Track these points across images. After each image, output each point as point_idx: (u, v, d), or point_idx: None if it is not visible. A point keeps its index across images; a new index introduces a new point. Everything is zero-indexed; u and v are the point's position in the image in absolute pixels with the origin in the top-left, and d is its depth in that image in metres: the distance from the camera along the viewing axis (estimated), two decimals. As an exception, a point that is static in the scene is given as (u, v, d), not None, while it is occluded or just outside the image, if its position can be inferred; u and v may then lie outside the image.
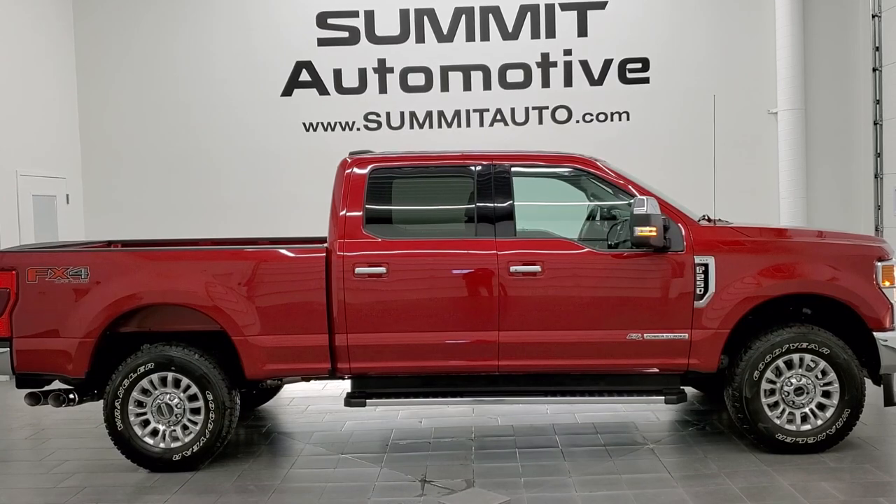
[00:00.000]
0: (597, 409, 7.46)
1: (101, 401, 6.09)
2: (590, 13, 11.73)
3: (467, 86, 11.78)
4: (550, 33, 11.75)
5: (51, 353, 5.98)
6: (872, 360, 6.07)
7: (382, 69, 11.81)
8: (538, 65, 11.77)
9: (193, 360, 5.95)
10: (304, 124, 11.84)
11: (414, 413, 7.48)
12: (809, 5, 11.48)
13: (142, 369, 5.94)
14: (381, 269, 5.96)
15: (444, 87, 11.79)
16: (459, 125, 11.79)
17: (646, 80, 11.74)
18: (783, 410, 6.01)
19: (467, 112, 11.79)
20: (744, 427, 6.11)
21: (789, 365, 6.00)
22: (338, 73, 11.82)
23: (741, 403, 6.01)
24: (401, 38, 11.80)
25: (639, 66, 11.73)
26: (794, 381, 5.99)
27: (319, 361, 6.02)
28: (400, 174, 6.41)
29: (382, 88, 11.82)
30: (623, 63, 11.73)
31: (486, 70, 11.77)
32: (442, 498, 5.35)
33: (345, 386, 6.40)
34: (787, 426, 6.00)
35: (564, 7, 11.73)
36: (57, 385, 6.19)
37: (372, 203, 6.16)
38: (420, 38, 11.79)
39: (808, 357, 5.98)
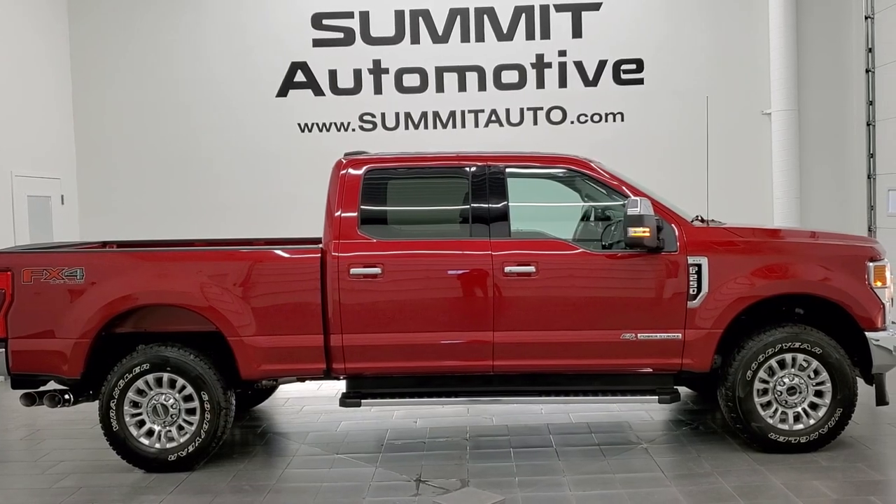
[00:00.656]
0: (591, 408, 7.49)
1: (97, 401, 6.10)
2: (584, 14, 11.77)
3: (462, 87, 11.81)
4: (545, 34, 11.78)
5: (46, 353, 5.99)
6: (864, 360, 6.11)
7: (377, 70, 11.83)
8: (533, 66, 11.80)
9: (189, 360, 5.96)
10: (299, 125, 11.86)
11: (409, 413, 7.50)
12: (803, 7, 11.54)
13: (137, 370, 5.95)
14: (377, 270, 5.98)
15: (440, 87, 11.82)
16: (454, 126, 11.82)
17: (640, 81, 11.78)
18: (776, 410, 6.04)
19: (462, 113, 11.82)
20: (737, 426, 6.14)
21: (782, 364, 6.03)
22: (333, 74, 11.84)
23: (734, 403, 6.04)
24: (396, 39, 11.82)
25: (633, 67, 11.77)
26: (786, 380, 6.03)
27: (315, 362, 6.04)
28: (395, 175, 6.43)
29: (377, 89, 11.84)
30: (617, 64, 11.78)
31: (480, 71, 11.80)
32: (437, 497, 5.37)
33: (340, 386, 6.41)
34: (780, 425, 6.03)
35: (559, 8, 11.77)
36: (52, 386, 6.20)
37: (367, 204, 6.17)
38: (415, 39, 11.81)
39: (800, 357, 6.01)
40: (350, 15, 11.82)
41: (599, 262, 6.05)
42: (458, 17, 11.78)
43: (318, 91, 11.85)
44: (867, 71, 11.28)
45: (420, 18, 11.79)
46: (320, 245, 6.14)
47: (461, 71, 11.80)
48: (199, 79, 11.88)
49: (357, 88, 11.85)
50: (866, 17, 11.26)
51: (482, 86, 11.81)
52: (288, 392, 8.35)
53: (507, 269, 5.97)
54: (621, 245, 6.00)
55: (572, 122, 11.80)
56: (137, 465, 6.02)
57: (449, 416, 7.42)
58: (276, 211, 11.58)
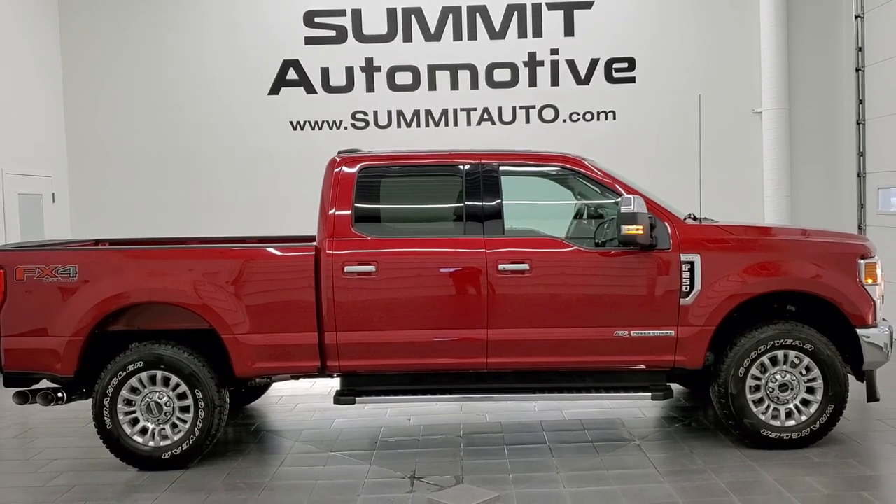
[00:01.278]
0: (584, 405, 7.52)
1: (89, 400, 6.09)
2: (576, 13, 11.79)
3: (454, 85, 11.82)
4: (537, 33, 11.81)
5: (39, 351, 5.97)
6: (855, 357, 6.15)
7: (370, 68, 11.83)
8: (525, 64, 11.82)
9: (183, 358, 5.96)
10: (291, 123, 11.85)
11: (402, 410, 7.52)
12: (794, 6, 11.60)
13: (131, 368, 5.94)
14: (371, 268, 5.98)
15: (432, 85, 11.82)
16: (447, 124, 11.83)
17: (632, 80, 11.82)
18: (768, 406, 6.08)
19: (455, 111, 11.83)
20: (729, 423, 6.17)
21: (774, 361, 6.07)
22: (325, 72, 11.83)
23: (727, 399, 6.08)
24: (388, 37, 11.82)
25: (625, 65, 11.81)
26: (778, 377, 6.07)
27: (309, 359, 6.04)
28: (389, 173, 6.43)
29: (370, 87, 11.84)
30: (609, 63, 11.81)
31: (473, 69, 11.81)
32: (431, 494, 5.39)
33: (333, 384, 6.42)
34: (772, 422, 6.07)
35: (551, 7, 11.79)
36: (45, 384, 6.18)
37: (361, 202, 6.18)
38: (407, 37, 11.81)
39: (792, 353, 6.05)
40: (342, 13, 11.81)
41: (593, 259, 6.08)
42: (451, 16, 11.78)
43: (311, 89, 11.84)
44: (857, 70, 11.35)
45: (412, 16, 11.79)
46: (314, 243, 6.14)
47: (453, 69, 11.81)
48: (191, 76, 11.85)
49: (349, 86, 11.84)
50: (856, 17, 11.32)
51: (474, 84, 11.82)
52: (281, 390, 8.35)
53: (501, 266, 5.99)
54: (615, 243, 6.02)
55: (564, 121, 11.83)
56: (131, 464, 6.01)
57: (442, 413, 7.44)
58: (267, 209, 11.57)
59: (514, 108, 11.84)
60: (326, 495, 5.47)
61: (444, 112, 11.82)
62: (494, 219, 6.11)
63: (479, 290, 6.00)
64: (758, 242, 6.27)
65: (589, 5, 11.78)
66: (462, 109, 11.84)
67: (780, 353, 6.05)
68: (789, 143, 11.53)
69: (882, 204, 10.85)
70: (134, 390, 5.98)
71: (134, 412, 5.98)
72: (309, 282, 5.99)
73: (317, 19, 11.82)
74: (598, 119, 11.81)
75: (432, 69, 11.80)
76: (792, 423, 6.08)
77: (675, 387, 7.12)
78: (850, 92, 11.51)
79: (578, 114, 11.81)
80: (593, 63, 11.80)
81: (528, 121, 11.83)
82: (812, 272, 6.11)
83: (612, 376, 6.24)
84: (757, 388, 6.08)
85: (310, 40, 11.83)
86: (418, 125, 11.84)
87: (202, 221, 11.32)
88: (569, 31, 11.80)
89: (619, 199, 5.99)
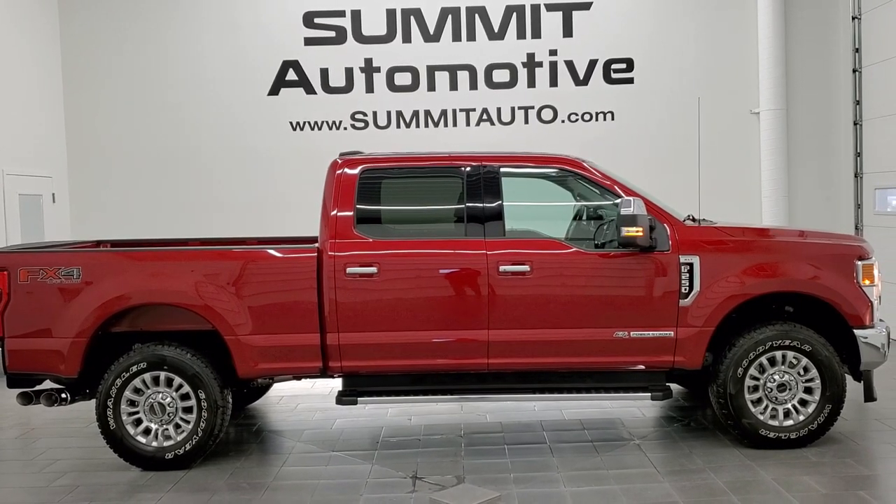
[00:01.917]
0: (583, 405, 7.56)
1: (92, 400, 6.13)
2: (575, 14, 11.83)
3: (454, 85, 11.86)
4: (536, 34, 11.84)
5: (43, 352, 6.01)
6: (853, 357, 6.20)
7: (369, 69, 11.85)
8: (524, 65, 11.86)
9: (186, 359, 6.00)
10: (290, 123, 11.87)
11: (403, 411, 7.55)
12: (791, 8, 11.65)
13: (134, 368, 5.98)
14: (372, 269, 6.02)
15: (431, 86, 11.85)
16: (446, 125, 11.86)
17: (630, 81, 11.86)
18: (766, 406, 6.13)
19: (454, 112, 11.86)
20: (728, 423, 6.22)
21: (772, 362, 6.12)
22: (324, 73, 11.85)
23: (725, 400, 6.12)
24: (387, 38, 11.85)
25: (623, 66, 11.85)
26: (776, 377, 6.12)
27: (311, 360, 6.08)
28: (390, 175, 6.47)
29: (369, 88, 11.87)
30: (608, 63, 11.85)
31: (472, 70, 11.85)
32: (433, 494, 5.43)
33: (334, 384, 6.45)
34: (771, 422, 6.12)
35: (550, 8, 11.82)
36: (49, 385, 6.21)
37: (363, 203, 6.22)
38: (407, 38, 11.84)
39: (790, 354, 6.10)
40: (342, 14, 11.83)
41: (593, 261, 6.12)
42: (450, 17, 11.82)
43: (310, 90, 11.87)
44: (854, 71, 11.40)
45: (412, 17, 11.82)
46: (316, 244, 6.18)
47: (452, 70, 11.84)
48: (191, 77, 11.86)
49: (349, 87, 11.87)
50: (853, 18, 11.37)
51: (473, 85, 11.85)
52: (282, 390, 8.38)
53: (502, 268, 6.03)
54: (614, 244, 6.06)
55: (563, 122, 11.86)
56: (134, 464, 6.05)
57: (443, 413, 7.48)
58: (267, 209, 11.60)
59: (512, 109, 11.88)
60: (329, 495, 5.51)
61: (444, 112, 11.85)
62: (495, 220, 6.15)
63: (480, 292, 6.05)
64: (756, 244, 6.32)
65: (587, 6, 11.82)
66: (461, 110, 11.87)
67: (778, 354, 6.10)
68: (786, 143, 11.59)
69: (879, 204, 10.91)
70: (137, 391, 6.01)
71: (137, 413, 6.02)
72: (311, 283, 6.03)
73: (316, 20, 11.84)
74: (597, 120, 11.86)
75: (431, 70, 11.83)
76: (790, 422, 6.13)
77: (675, 387, 7.17)
78: (848, 93, 11.57)
79: (577, 114, 11.85)
80: (592, 64, 11.84)
81: (526, 121, 11.87)
82: (810, 273, 6.16)
83: (612, 377, 6.28)
84: (755, 389, 6.13)
85: (309, 41, 11.85)
86: (417, 126, 11.87)
87: (202, 221, 11.34)
88: (567, 31, 11.84)
89: (618, 201, 6.03)
